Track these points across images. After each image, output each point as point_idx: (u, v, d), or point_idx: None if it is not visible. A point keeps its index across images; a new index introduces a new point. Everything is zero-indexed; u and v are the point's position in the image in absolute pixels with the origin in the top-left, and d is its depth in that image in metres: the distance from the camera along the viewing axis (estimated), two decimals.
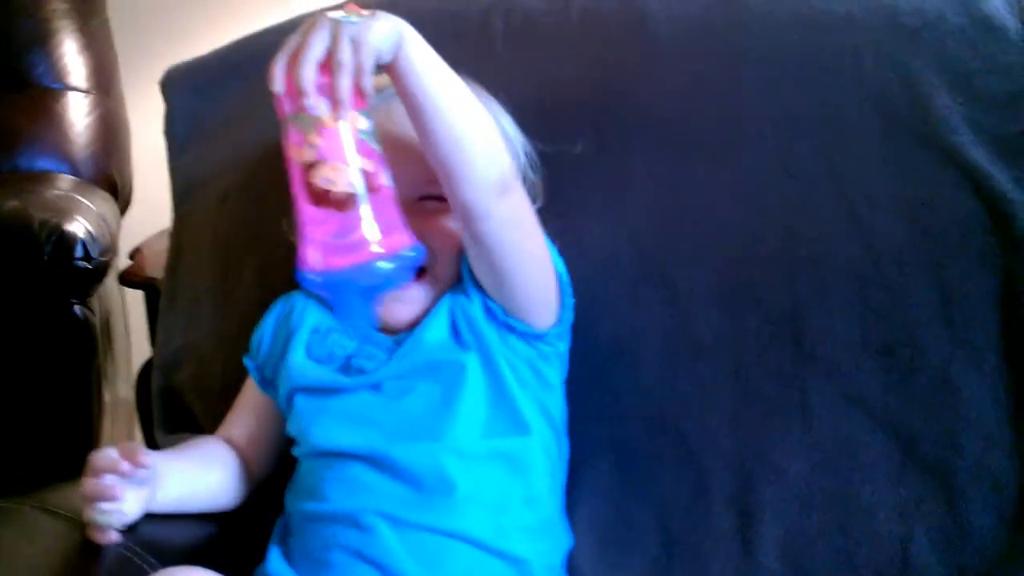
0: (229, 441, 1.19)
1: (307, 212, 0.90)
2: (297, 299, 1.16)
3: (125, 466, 0.99)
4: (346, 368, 1.10)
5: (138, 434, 1.35)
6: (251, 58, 1.38)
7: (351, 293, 0.93)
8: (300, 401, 1.11)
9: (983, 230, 1.10)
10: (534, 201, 1.10)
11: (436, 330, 1.09)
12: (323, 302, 1.13)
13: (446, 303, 1.10)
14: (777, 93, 1.18)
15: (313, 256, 0.90)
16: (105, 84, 2.28)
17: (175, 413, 1.35)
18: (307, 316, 1.15)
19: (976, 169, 1.11)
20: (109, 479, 0.99)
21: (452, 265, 1.10)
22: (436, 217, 1.09)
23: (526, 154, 1.14)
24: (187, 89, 1.43)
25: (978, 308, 1.09)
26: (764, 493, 1.10)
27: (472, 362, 1.07)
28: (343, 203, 0.89)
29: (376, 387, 1.08)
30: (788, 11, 1.21)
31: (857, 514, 1.08)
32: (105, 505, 0.99)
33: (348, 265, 0.89)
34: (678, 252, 1.17)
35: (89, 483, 0.99)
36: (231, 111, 1.37)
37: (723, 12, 1.23)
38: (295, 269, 0.92)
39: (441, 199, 1.06)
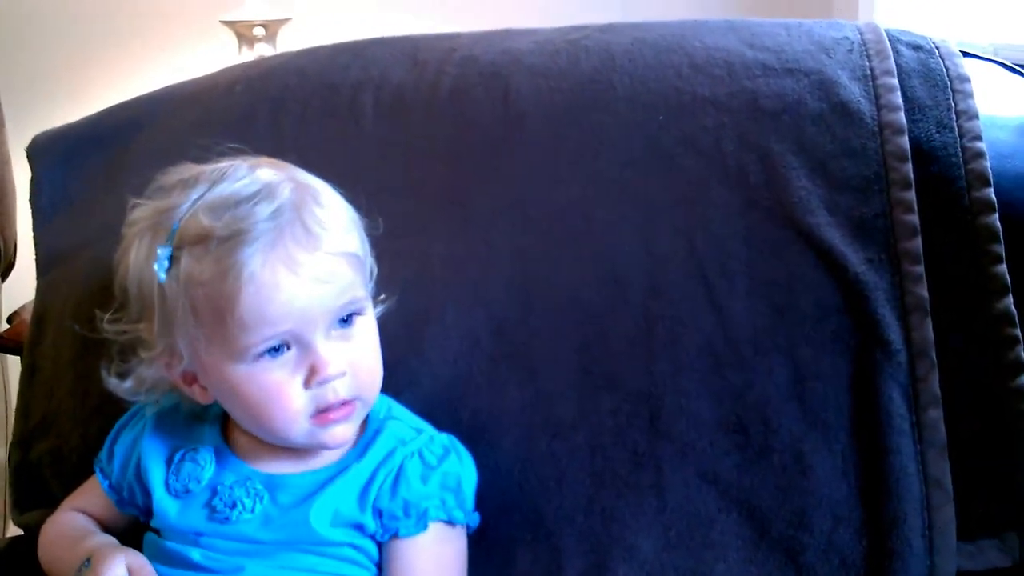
0: (86, 513, 1.18)
1: None
2: (147, 419, 1.13)
3: None
4: (210, 506, 1.07)
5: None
6: (117, 129, 1.39)
7: None
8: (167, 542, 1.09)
9: (837, 311, 1.13)
10: (379, 294, 1.11)
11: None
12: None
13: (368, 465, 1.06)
14: (639, 173, 1.20)
15: None
16: None
17: (30, 489, 1.33)
18: (155, 443, 1.12)
19: (831, 250, 1.14)
20: None
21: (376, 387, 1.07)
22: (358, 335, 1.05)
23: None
24: (54, 158, 1.41)
25: (830, 388, 1.11)
26: (617, 571, 1.10)
27: None
28: None
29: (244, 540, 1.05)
30: (652, 92, 1.23)
31: None
32: None
33: None
34: (537, 332, 1.18)
35: None
36: (97, 183, 1.35)
37: (588, 92, 1.24)
38: None
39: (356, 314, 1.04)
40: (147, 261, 1.02)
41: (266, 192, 1.00)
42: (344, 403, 1.02)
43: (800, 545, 1.08)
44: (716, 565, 1.09)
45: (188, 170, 1.06)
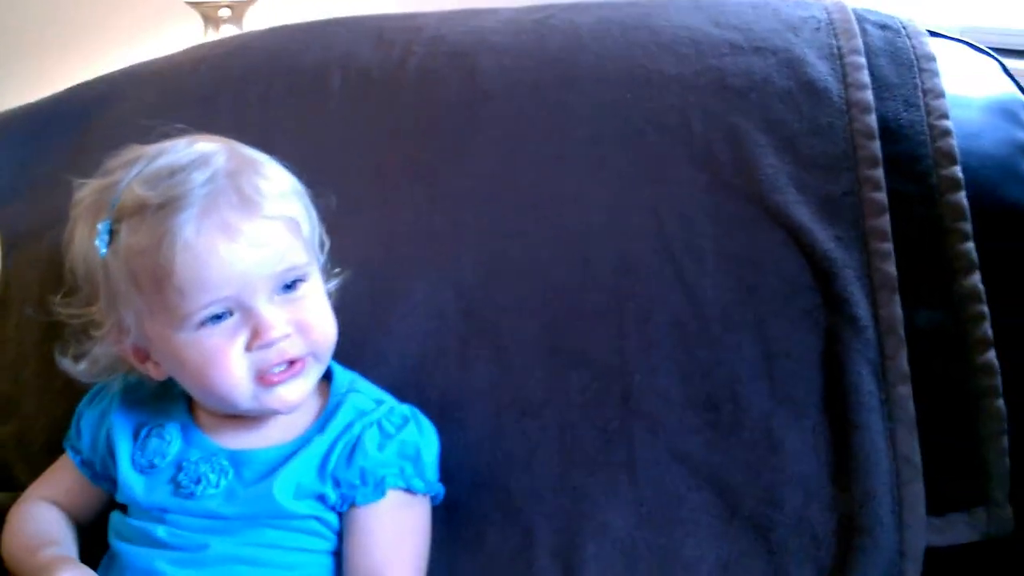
0: (53, 501, 1.16)
1: None
2: (115, 393, 1.13)
3: None
4: (175, 481, 1.06)
5: None
6: (80, 109, 1.38)
7: None
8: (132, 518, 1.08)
9: (806, 288, 1.13)
10: (331, 268, 1.11)
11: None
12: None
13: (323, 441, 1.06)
14: (605, 150, 1.20)
15: None
16: None
17: None
18: (123, 417, 1.11)
19: (800, 228, 1.14)
20: None
21: (328, 343, 1.06)
22: (302, 299, 1.04)
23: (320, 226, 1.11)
24: (15, 138, 1.40)
25: (800, 365, 1.11)
26: (588, 548, 1.10)
27: None
28: None
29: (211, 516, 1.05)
30: (619, 70, 1.22)
31: (680, 568, 1.08)
32: None
33: None
34: (505, 309, 1.17)
35: None
36: (60, 164, 1.32)
37: (554, 70, 1.24)
38: None
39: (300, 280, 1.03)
40: (90, 239, 1.02)
41: (201, 161, 1.01)
42: (291, 363, 1.01)
43: (771, 522, 1.08)
44: (687, 541, 1.09)
45: (133, 151, 1.06)
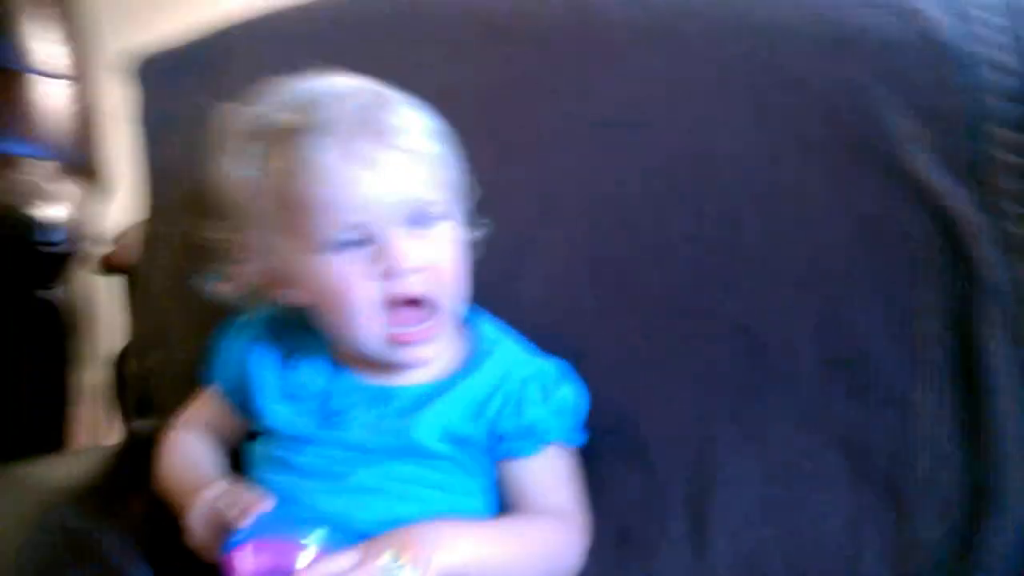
0: (200, 430, 1.20)
1: None
2: (257, 325, 1.16)
3: None
4: (320, 412, 1.10)
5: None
6: (217, 54, 1.42)
7: None
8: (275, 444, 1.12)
9: (937, 250, 1.12)
10: (477, 221, 1.13)
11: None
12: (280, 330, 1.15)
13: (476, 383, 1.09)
14: (723, 103, 1.20)
15: None
16: (84, 70, 2.27)
17: (145, 397, 1.37)
18: (266, 348, 1.15)
19: (929, 187, 1.12)
20: None
21: (459, 297, 1.09)
22: (438, 238, 1.06)
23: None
24: (159, 78, 1.44)
25: (932, 327, 1.11)
26: (718, 498, 1.12)
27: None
28: None
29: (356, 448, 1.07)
30: (736, 22, 1.22)
31: (808, 525, 1.10)
32: None
33: None
34: (637, 263, 1.19)
35: None
36: (202, 104, 1.36)
37: (673, 21, 1.24)
38: None
39: (436, 218, 1.05)
40: (238, 162, 1.06)
41: (349, 92, 1.05)
42: (421, 312, 1.04)
43: (900, 483, 1.09)
44: (815, 497, 1.10)
45: (283, 82, 1.09)
